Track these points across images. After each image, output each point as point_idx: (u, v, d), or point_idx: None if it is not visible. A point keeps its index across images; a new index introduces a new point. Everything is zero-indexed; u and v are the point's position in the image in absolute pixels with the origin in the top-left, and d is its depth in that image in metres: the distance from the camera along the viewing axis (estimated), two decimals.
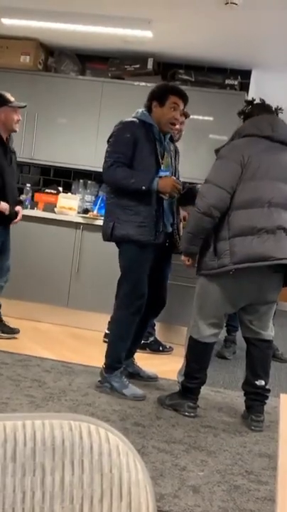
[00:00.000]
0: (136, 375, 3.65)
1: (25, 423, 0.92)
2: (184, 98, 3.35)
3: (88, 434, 0.94)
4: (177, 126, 4.14)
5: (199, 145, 5.32)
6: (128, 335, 3.36)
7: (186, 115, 4.23)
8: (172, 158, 3.49)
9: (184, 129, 4.32)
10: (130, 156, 3.24)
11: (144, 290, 3.34)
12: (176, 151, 3.56)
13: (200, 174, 4.87)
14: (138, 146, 3.25)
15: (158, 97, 3.33)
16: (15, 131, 4.16)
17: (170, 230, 3.42)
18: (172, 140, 3.53)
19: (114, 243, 3.40)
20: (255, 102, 3.19)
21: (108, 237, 3.34)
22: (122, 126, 3.31)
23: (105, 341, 4.42)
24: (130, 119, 3.34)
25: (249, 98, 3.38)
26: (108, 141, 3.38)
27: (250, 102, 3.21)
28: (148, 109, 3.35)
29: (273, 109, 3.16)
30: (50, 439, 0.91)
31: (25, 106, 4.13)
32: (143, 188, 3.20)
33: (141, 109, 3.39)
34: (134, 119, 3.33)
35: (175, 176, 3.48)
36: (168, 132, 3.43)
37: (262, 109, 3.13)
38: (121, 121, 3.35)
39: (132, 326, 3.35)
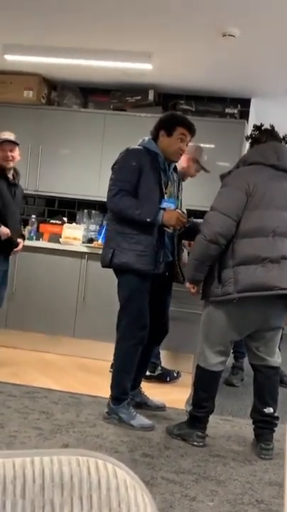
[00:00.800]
0: (144, 405, 3.63)
1: (33, 459, 0.94)
2: (191, 130, 3.36)
3: (96, 470, 0.95)
4: (194, 167, 4.17)
5: (201, 172, 5.36)
6: (132, 366, 3.35)
7: (205, 171, 4.26)
8: (176, 189, 3.51)
9: (195, 176, 4.35)
10: (135, 184, 3.25)
11: (146, 321, 3.33)
12: (179, 182, 3.59)
13: (202, 200, 4.93)
14: (143, 174, 3.26)
15: (165, 127, 3.33)
16: (6, 168, 4.12)
17: (170, 258, 3.42)
18: (176, 170, 3.55)
19: (114, 273, 3.40)
20: (263, 128, 3.23)
21: (107, 263, 3.33)
22: (128, 153, 3.32)
23: (111, 371, 4.43)
24: (136, 146, 3.36)
25: (252, 124, 3.42)
26: (112, 168, 3.38)
27: (258, 127, 3.25)
28: (155, 137, 3.37)
29: (281, 136, 3.20)
30: (58, 475, 0.92)
31: (14, 142, 4.13)
32: (148, 220, 3.21)
33: (147, 137, 3.40)
34: (140, 147, 3.35)
35: (178, 206, 3.50)
36: (174, 162, 3.46)
37: (270, 135, 3.17)
38: (127, 148, 3.37)
39: (135, 357, 3.34)
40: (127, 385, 3.36)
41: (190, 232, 3.40)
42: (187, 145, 3.44)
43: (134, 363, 3.35)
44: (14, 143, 4.10)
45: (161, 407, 3.67)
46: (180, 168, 3.85)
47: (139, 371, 3.59)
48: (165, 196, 3.35)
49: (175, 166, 3.54)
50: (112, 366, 4.43)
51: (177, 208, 3.39)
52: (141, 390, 3.68)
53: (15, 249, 4.26)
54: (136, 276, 3.28)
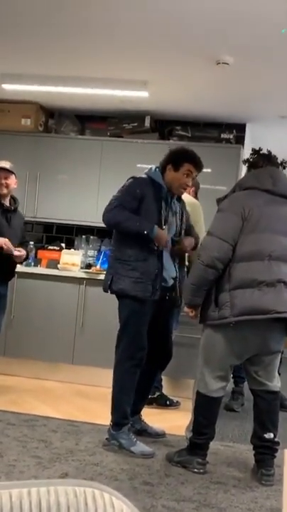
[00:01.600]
0: (144, 432, 3.60)
1: (30, 490, 0.93)
2: (198, 167, 3.41)
3: (93, 500, 0.94)
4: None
5: (199, 197, 5.41)
6: (131, 388, 3.34)
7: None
8: (178, 220, 3.53)
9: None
10: (134, 209, 3.28)
11: (143, 343, 3.34)
12: (182, 212, 3.58)
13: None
14: (144, 202, 3.31)
15: (173, 161, 3.38)
16: (1, 195, 4.13)
17: (169, 284, 3.42)
18: (179, 200, 3.57)
19: (115, 295, 3.43)
20: (261, 152, 3.27)
21: (106, 289, 3.41)
22: (134, 181, 3.39)
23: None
24: (142, 175, 3.43)
25: (250, 148, 3.46)
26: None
27: (256, 152, 3.28)
28: (162, 168, 3.42)
29: (279, 161, 3.23)
30: (55, 507, 0.92)
31: (10, 171, 4.16)
32: (145, 232, 3.23)
33: (154, 167, 3.45)
34: (145, 177, 3.41)
35: (179, 234, 3.51)
36: (177, 195, 3.51)
37: (267, 160, 3.21)
38: (134, 176, 3.43)
39: (134, 379, 3.34)
40: (127, 408, 3.34)
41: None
42: (192, 180, 3.51)
43: (133, 385, 3.34)
44: (8, 171, 4.14)
45: (161, 435, 3.64)
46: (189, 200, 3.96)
47: (141, 398, 3.58)
48: (164, 226, 3.37)
49: (179, 196, 3.55)
50: None
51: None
52: (141, 417, 3.65)
53: (16, 255, 4.16)
54: (135, 301, 3.30)
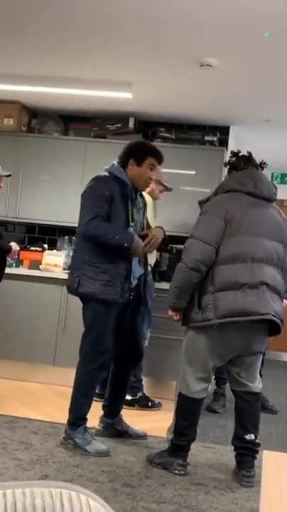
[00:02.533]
0: (125, 433, 3.59)
1: (5, 492, 0.92)
2: (161, 160, 3.41)
3: (69, 502, 0.93)
4: (157, 193, 4.31)
5: (182, 198, 5.42)
6: (91, 391, 3.35)
7: (167, 189, 4.43)
8: (141, 216, 3.52)
9: (159, 195, 4.51)
10: (107, 212, 3.26)
11: (107, 346, 3.33)
12: (144, 208, 3.57)
13: (182, 226, 4.99)
14: (113, 203, 3.27)
15: (136, 156, 3.35)
16: None
17: (134, 284, 3.40)
18: (141, 196, 3.55)
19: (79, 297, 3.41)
20: (241, 154, 3.28)
21: (73, 291, 3.35)
22: (101, 182, 3.32)
23: (95, 400, 4.38)
24: (105, 174, 3.36)
25: (229, 152, 3.48)
26: (83, 195, 3.37)
27: (236, 154, 3.30)
28: (123, 164, 3.37)
29: (258, 163, 3.25)
30: (31, 508, 0.91)
31: (9, 175, 4.13)
32: (125, 245, 3.23)
33: (116, 163, 3.39)
34: (108, 175, 3.34)
35: (141, 229, 3.50)
36: (142, 191, 3.50)
37: (248, 162, 3.22)
38: (98, 176, 3.37)
39: (96, 382, 3.35)
40: (85, 410, 3.33)
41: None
42: (154, 174, 3.48)
43: (94, 388, 3.36)
44: None
45: (142, 436, 3.63)
46: (146, 193, 3.93)
47: (119, 399, 3.59)
48: (132, 225, 3.37)
49: (141, 192, 3.55)
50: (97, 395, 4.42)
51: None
52: (122, 419, 3.64)
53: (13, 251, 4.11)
54: (100, 303, 3.28)
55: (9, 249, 3.95)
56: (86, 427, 3.34)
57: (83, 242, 3.32)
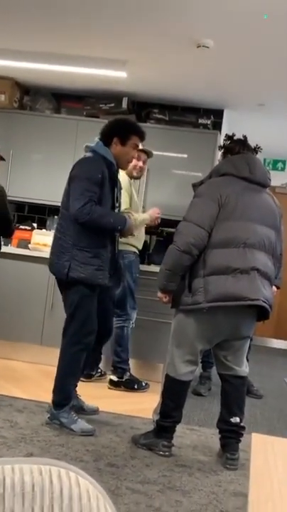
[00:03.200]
0: (80, 409, 3.59)
1: None
2: (143, 138, 3.39)
3: (58, 479, 0.92)
4: (141, 164, 4.27)
5: (173, 181, 5.40)
6: (76, 371, 3.36)
7: (149, 154, 4.37)
8: (121, 194, 3.52)
9: (146, 168, 4.47)
10: (99, 196, 3.23)
11: (93, 327, 3.34)
12: (120, 186, 3.56)
13: (173, 209, 4.96)
14: (103, 186, 3.24)
15: (120, 135, 3.30)
16: None
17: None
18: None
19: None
20: (236, 138, 3.25)
21: (63, 276, 3.27)
22: (92, 164, 3.26)
23: (81, 380, 4.37)
24: (91, 155, 3.29)
25: (223, 136, 3.45)
26: (72, 176, 3.29)
27: (230, 137, 3.26)
28: (106, 142, 3.32)
29: (253, 147, 3.22)
30: (19, 485, 0.90)
31: (3, 159, 4.08)
32: (119, 227, 3.24)
33: (99, 142, 3.33)
34: (95, 156, 3.28)
35: (118, 209, 3.49)
36: (124, 169, 3.50)
37: (243, 146, 3.19)
38: (88, 158, 3.30)
39: (81, 362, 3.35)
40: (71, 390, 3.35)
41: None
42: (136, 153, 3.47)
43: (79, 368, 3.36)
44: None
45: (95, 410, 3.65)
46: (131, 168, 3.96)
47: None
48: (117, 205, 3.37)
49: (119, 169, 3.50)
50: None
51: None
52: (77, 394, 3.62)
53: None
54: (86, 286, 3.27)
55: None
56: (71, 406, 3.34)
57: (72, 226, 3.25)
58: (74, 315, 3.32)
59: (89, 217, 3.17)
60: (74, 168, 3.32)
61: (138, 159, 4.25)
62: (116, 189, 3.37)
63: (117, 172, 3.41)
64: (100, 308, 3.46)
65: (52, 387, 3.35)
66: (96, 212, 3.18)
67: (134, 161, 4.07)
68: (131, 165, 4.01)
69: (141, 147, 4.18)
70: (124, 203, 3.89)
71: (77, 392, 3.63)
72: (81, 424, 3.29)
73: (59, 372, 3.36)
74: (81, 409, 3.60)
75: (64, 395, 3.32)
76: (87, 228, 3.21)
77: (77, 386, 3.60)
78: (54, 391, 3.34)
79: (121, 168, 3.45)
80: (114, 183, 3.34)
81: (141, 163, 4.33)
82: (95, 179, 3.20)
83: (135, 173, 4.32)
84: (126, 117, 3.51)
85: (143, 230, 4.45)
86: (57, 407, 3.31)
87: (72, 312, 3.33)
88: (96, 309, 3.36)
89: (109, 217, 3.22)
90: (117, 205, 3.37)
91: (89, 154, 3.33)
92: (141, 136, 3.36)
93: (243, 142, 3.21)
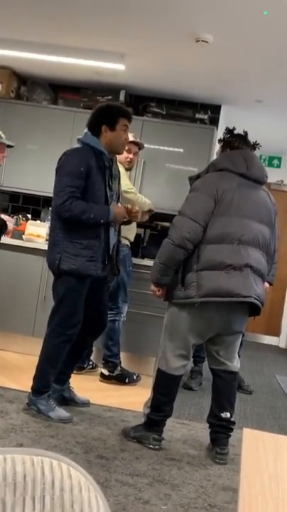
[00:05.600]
0: (71, 401, 3.61)
1: None
2: (131, 119, 3.36)
3: (50, 470, 0.92)
4: (131, 156, 4.27)
5: (168, 176, 5.39)
6: (58, 362, 3.36)
7: (140, 146, 4.37)
8: (116, 183, 3.46)
9: (136, 159, 4.46)
10: (83, 189, 3.20)
11: (78, 320, 3.35)
12: (118, 173, 3.52)
13: (168, 204, 4.96)
14: (90, 177, 3.20)
15: (107, 121, 3.28)
16: None
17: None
18: (116, 161, 3.49)
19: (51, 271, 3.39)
20: (237, 133, 3.24)
21: (54, 269, 3.30)
22: (74, 156, 3.23)
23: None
24: (79, 146, 3.28)
25: (220, 131, 3.45)
26: (58, 169, 3.29)
27: (230, 131, 3.26)
28: (95, 132, 3.29)
29: (252, 143, 3.22)
30: (11, 475, 0.90)
31: (12, 146, 4.03)
32: (102, 221, 3.22)
33: (88, 132, 3.31)
34: (83, 147, 3.26)
35: (117, 198, 3.47)
36: (119, 154, 3.47)
37: (243, 141, 3.18)
38: (72, 150, 3.29)
39: (63, 353, 3.36)
40: (51, 379, 3.37)
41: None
42: (128, 134, 3.44)
43: (61, 359, 3.37)
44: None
45: (86, 403, 3.66)
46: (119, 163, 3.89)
47: (70, 365, 3.58)
48: (109, 194, 3.33)
49: (116, 157, 3.48)
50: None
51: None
52: (70, 386, 3.65)
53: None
54: (74, 276, 3.26)
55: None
56: (50, 394, 3.38)
57: (61, 219, 3.25)
58: (59, 306, 3.34)
59: (69, 214, 3.18)
60: (60, 160, 3.32)
61: (129, 152, 4.24)
62: (109, 177, 3.33)
63: (113, 160, 3.39)
64: (96, 300, 3.47)
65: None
66: (77, 208, 3.17)
67: (125, 153, 4.06)
68: (122, 157, 4.01)
69: (132, 139, 4.18)
70: (125, 185, 3.92)
71: (70, 384, 3.64)
72: (59, 411, 3.32)
73: (40, 361, 3.39)
74: (72, 401, 3.61)
75: (43, 383, 3.35)
76: (72, 223, 3.22)
77: (70, 377, 3.61)
78: (34, 378, 3.37)
79: (117, 153, 3.42)
80: (107, 171, 3.31)
81: (131, 155, 4.32)
82: (77, 173, 3.18)
83: (126, 165, 4.31)
84: (109, 103, 3.48)
85: (134, 223, 4.44)
86: (36, 393, 3.34)
87: (57, 303, 3.35)
88: (83, 302, 3.35)
89: (90, 213, 3.18)
90: (110, 193, 3.33)
91: (77, 145, 3.32)
92: (128, 117, 3.33)
93: (243, 138, 3.20)
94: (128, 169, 4.44)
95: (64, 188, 3.18)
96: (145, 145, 4.63)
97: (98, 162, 3.25)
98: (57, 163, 3.34)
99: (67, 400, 3.59)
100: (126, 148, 3.42)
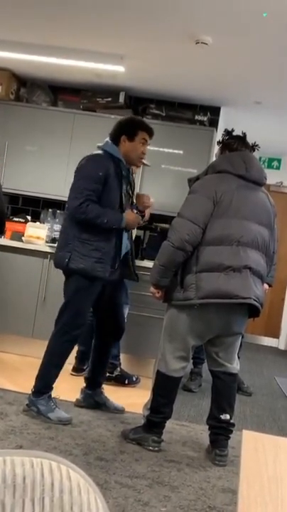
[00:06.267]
0: (102, 406, 3.64)
1: None
2: (151, 134, 3.43)
3: (49, 472, 0.92)
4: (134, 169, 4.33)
5: (168, 177, 5.40)
6: (61, 362, 3.38)
7: (146, 165, 4.44)
8: (130, 190, 3.54)
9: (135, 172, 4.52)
10: (100, 192, 3.26)
11: (85, 321, 3.38)
12: (134, 182, 3.63)
13: (167, 205, 4.96)
14: (107, 183, 3.27)
15: (127, 132, 3.36)
16: None
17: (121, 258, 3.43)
18: (132, 172, 3.58)
19: (62, 271, 3.43)
20: (235, 134, 3.25)
21: (63, 267, 3.35)
22: (94, 161, 3.32)
23: (72, 374, 4.38)
24: (100, 152, 3.36)
25: (219, 133, 3.45)
26: (76, 172, 3.37)
27: (229, 132, 3.26)
28: (115, 141, 3.38)
29: (251, 144, 3.22)
30: (11, 476, 0.90)
31: None
32: (114, 227, 3.28)
33: (109, 141, 3.40)
34: (102, 153, 3.34)
35: (130, 203, 3.54)
36: (136, 166, 3.53)
37: (242, 143, 3.19)
38: (93, 155, 3.36)
39: (67, 353, 3.40)
40: (53, 379, 3.38)
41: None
42: (146, 148, 3.47)
43: (64, 359, 3.39)
44: None
45: (120, 410, 3.67)
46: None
47: (100, 371, 3.65)
48: (124, 201, 3.39)
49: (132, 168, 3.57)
50: (73, 370, 4.43)
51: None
52: (102, 391, 3.70)
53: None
54: (85, 278, 3.30)
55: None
56: (50, 395, 3.38)
57: (74, 220, 3.32)
58: (67, 305, 3.37)
59: (84, 217, 3.24)
60: (79, 164, 3.39)
61: None
62: (125, 185, 3.39)
63: (129, 170, 3.45)
64: (111, 304, 3.52)
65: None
66: (93, 211, 3.23)
67: None
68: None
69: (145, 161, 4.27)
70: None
71: (103, 389, 3.70)
72: (58, 412, 3.33)
73: (44, 360, 3.41)
74: (104, 406, 3.65)
75: (44, 383, 3.37)
76: (85, 225, 3.27)
77: (102, 384, 3.68)
78: (36, 377, 3.39)
79: (133, 164, 3.48)
80: (123, 179, 3.37)
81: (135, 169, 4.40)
82: (96, 177, 3.25)
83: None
84: (133, 116, 3.58)
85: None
86: (37, 393, 3.35)
87: (66, 302, 3.39)
88: (90, 305, 3.40)
89: (104, 218, 3.24)
90: (125, 200, 3.39)
91: (97, 152, 3.38)
92: (148, 131, 3.40)
93: (242, 139, 3.20)
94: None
95: (81, 191, 3.25)
96: None
97: (116, 169, 3.32)
98: (76, 166, 3.41)
99: (99, 404, 3.63)
100: (146, 151, 3.47)
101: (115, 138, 3.38)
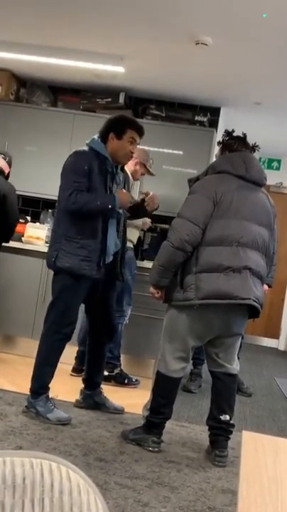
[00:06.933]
0: (102, 406, 3.63)
1: None
2: (141, 133, 3.38)
3: (49, 472, 0.92)
4: (137, 169, 4.30)
5: (167, 178, 5.40)
6: (54, 361, 3.38)
7: (151, 173, 4.42)
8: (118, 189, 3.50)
9: (139, 179, 4.52)
10: (87, 186, 3.26)
11: (73, 318, 3.38)
12: (125, 180, 3.58)
13: (167, 206, 4.95)
14: (91, 177, 3.27)
15: (115, 130, 3.32)
16: None
17: (111, 259, 3.41)
18: (122, 170, 3.54)
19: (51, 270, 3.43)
20: (236, 135, 3.25)
21: (51, 266, 3.37)
22: (79, 157, 3.30)
23: (72, 375, 4.38)
24: (84, 149, 3.34)
25: (219, 133, 3.45)
26: (63, 169, 3.35)
27: (229, 133, 3.26)
28: (103, 139, 3.35)
29: (251, 145, 3.22)
30: (10, 477, 0.89)
31: None
32: (109, 206, 3.25)
33: (96, 137, 3.37)
34: (87, 149, 3.32)
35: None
36: (123, 164, 3.49)
37: (242, 143, 3.19)
38: (77, 151, 3.35)
39: (58, 352, 3.38)
40: (47, 379, 3.38)
41: (136, 211, 3.62)
42: (135, 148, 3.46)
43: (57, 358, 3.38)
44: None
45: (120, 410, 3.67)
46: (129, 172, 3.95)
47: (97, 371, 3.65)
48: None
49: (123, 166, 3.54)
50: (73, 370, 4.42)
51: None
52: (101, 391, 3.70)
53: None
54: (71, 275, 3.30)
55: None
56: (48, 395, 3.38)
57: (63, 218, 3.32)
58: (54, 304, 3.38)
59: (75, 206, 3.23)
60: (65, 162, 3.39)
61: (140, 168, 4.34)
62: (110, 183, 3.36)
63: (117, 168, 3.42)
64: (103, 305, 3.52)
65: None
66: (83, 198, 3.23)
67: (136, 166, 4.17)
68: (131, 168, 4.08)
69: (149, 168, 4.31)
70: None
71: (102, 390, 3.69)
72: (57, 413, 3.33)
73: (36, 360, 3.41)
74: (103, 406, 3.65)
75: (40, 383, 3.37)
76: (80, 217, 3.26)
77: (100, 384, 3.68)
78: (32, 379, 3.39)
79: (119, 163, 3.44)
80: (108, 176, 3.35)
81: (139, 175, 4.41)
82: (81, 171, 3.25)
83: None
84: (123, 114, 3.53)
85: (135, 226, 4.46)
86: (34, 395, 3.36)
87: (53, 301, 3.39)
88: (78, 303, 3.40)
89: (96, 201, 3.24)
90: None
91: (83, 148, 3.36)
92: (138, 130, 3.36)
93: (242, 140, 3.20)
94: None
95: (69, 184, 3.26)
96: (145, 147, 4.63)
97: (100, 166, 3.30)
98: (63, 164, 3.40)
99: (99, 405, 3.63)
100: (134, 150, 3.44)
101: (103, 135, 3.34)
